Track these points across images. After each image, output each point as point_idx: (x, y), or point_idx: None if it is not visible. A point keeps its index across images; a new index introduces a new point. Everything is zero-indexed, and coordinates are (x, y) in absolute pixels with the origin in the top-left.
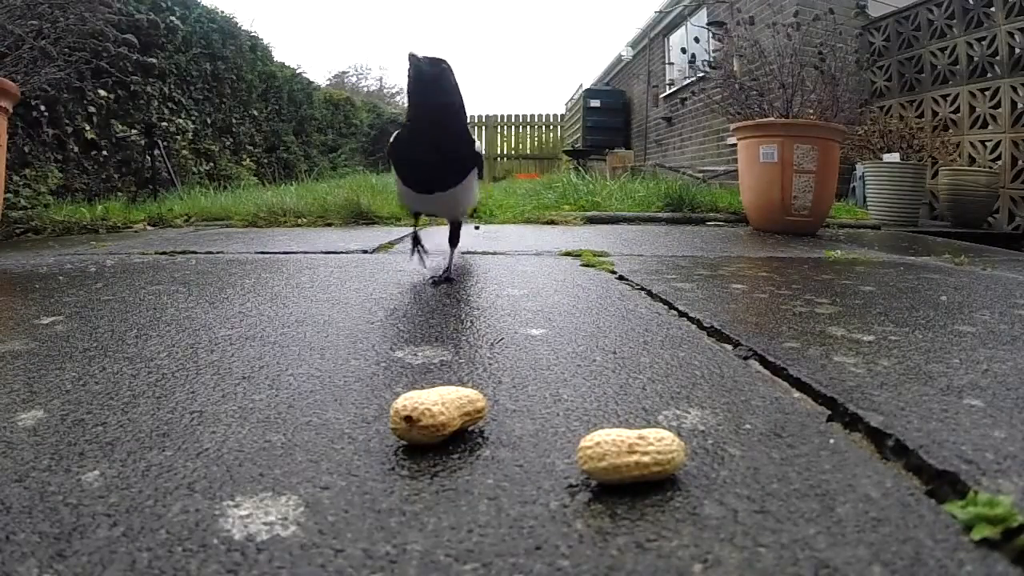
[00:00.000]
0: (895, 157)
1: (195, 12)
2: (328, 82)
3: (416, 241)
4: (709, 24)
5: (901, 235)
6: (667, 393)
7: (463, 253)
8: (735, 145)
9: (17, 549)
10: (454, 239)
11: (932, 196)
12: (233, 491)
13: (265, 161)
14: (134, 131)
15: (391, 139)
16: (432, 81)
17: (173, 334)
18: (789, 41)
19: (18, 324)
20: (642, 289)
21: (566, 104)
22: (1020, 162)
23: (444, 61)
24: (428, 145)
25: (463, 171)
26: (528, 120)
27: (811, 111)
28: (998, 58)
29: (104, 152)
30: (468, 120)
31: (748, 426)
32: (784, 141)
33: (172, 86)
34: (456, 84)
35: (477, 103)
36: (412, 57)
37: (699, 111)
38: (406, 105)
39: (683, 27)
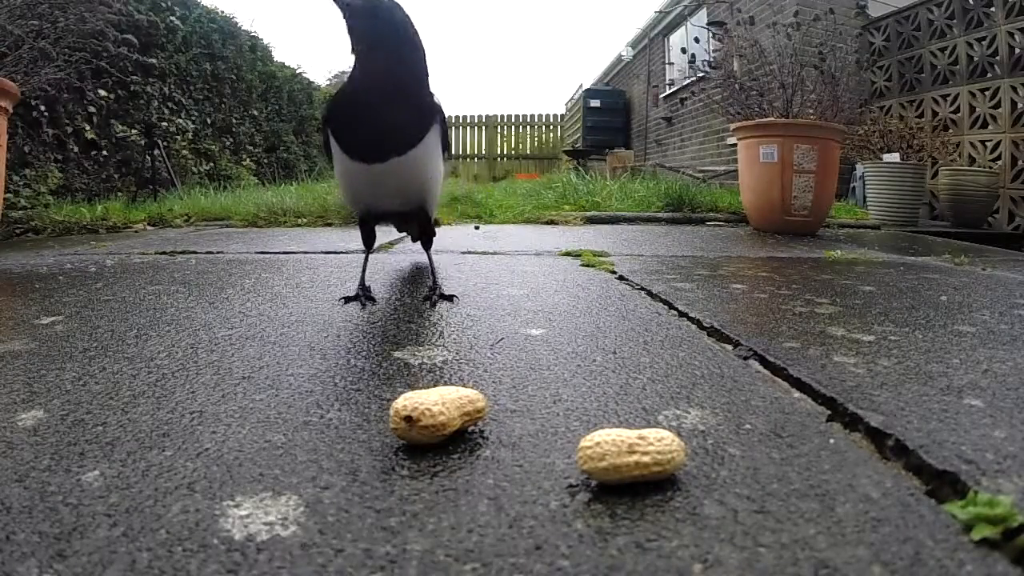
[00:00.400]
0: (895, 157)
1: (195, 12)
2: (328, 82)
3: (364, 289)
4: (709, 24)
5: (901, 235)
6: (667, 393)
7: (462, 253)
8: (735, 145)
9: (17, 549)
10: (427, 239)
11: (932, 196)
12: (233, 491)
13: (265, 161)
14: (134, 131)
15: (326, 106)
16: (368, 15)
17: (173, 334)
18: (789, 41)
19: (18, 324)
20: (642, 289)
21: (566, 104)
22: (1020, 162)
23: None
24: (375, 93)
25: (422, 123)
26: (528, 120)
27: (811, 111)
28: (998, 58)
29: (104, 152)
30: (428, 67)
31: (748, 426)
32: (784, 141)
33: (172, 86)
34: (405, 17)
35: (477, 103)
36: None
37: (699, 111)
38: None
39: (683, 27)
